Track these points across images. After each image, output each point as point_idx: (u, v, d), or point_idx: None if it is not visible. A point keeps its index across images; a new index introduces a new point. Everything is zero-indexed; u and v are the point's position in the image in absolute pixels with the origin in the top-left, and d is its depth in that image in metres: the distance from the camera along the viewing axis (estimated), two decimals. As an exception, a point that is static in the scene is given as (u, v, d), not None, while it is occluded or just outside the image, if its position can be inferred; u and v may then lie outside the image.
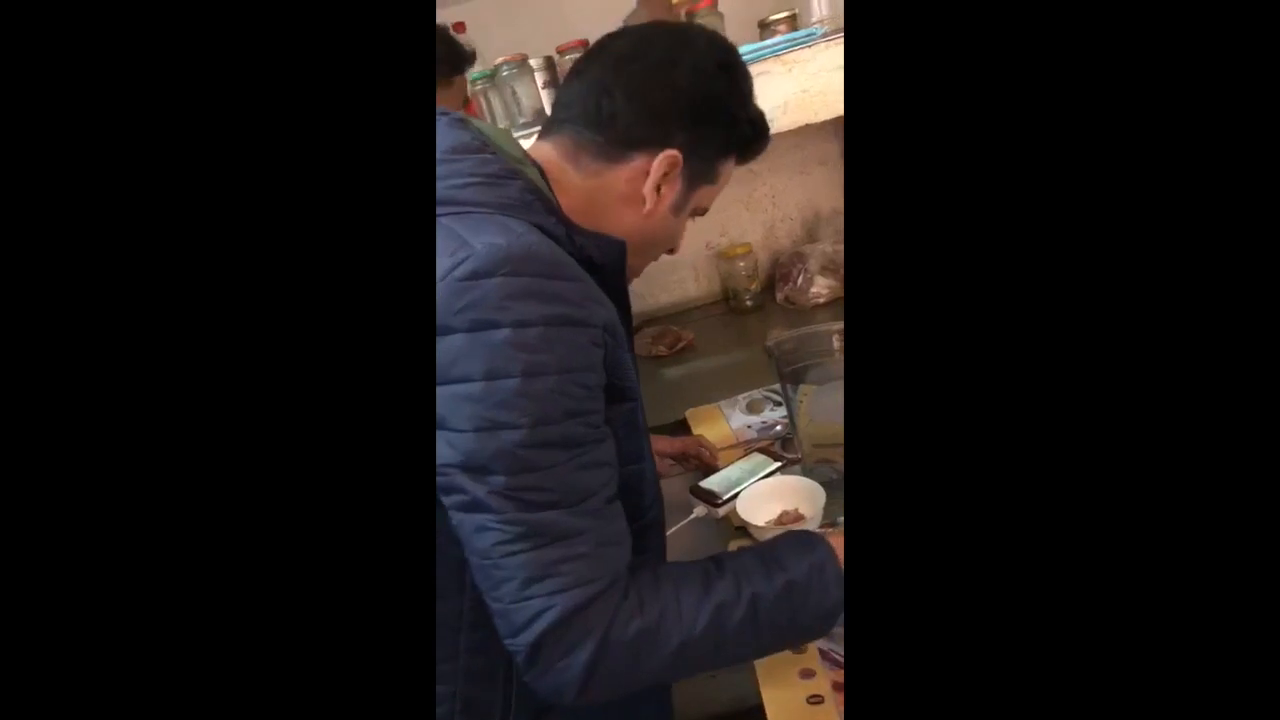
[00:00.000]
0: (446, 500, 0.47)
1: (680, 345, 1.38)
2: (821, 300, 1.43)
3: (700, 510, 0.84)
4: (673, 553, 0.77)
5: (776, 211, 1.59)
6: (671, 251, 0.65)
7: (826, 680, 0.60)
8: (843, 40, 1.00)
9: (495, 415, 0.44)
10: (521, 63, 1.08)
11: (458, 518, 0.46)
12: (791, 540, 0.54)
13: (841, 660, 0.61)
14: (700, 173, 0.58)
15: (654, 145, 0.55)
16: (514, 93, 1.08)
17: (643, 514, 0.59)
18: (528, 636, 0.44)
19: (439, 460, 0.46)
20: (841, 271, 1.45)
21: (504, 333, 0.43)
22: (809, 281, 1.45)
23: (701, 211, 0.63)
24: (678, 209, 0.59)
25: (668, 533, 0.81)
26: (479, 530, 0.45)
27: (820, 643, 0.63)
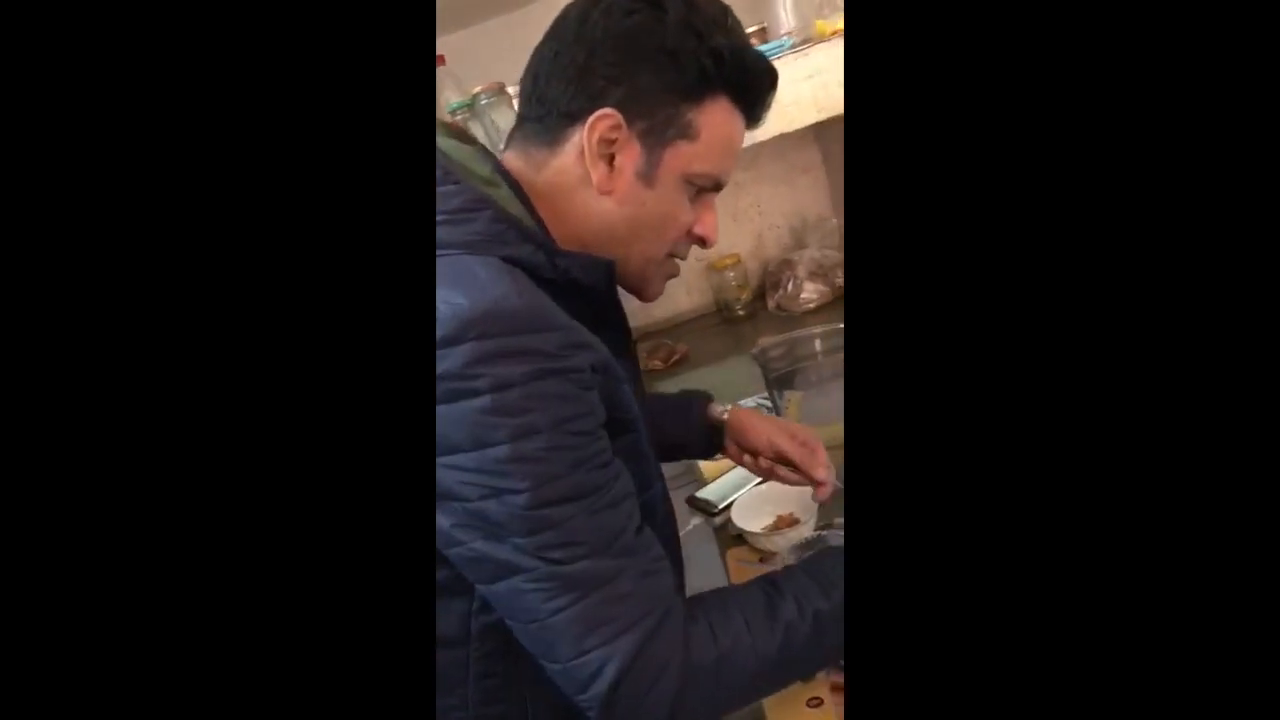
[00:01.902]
0: (472, 575, 0.45)
1: (675, 358, 1.39)
2: (812, 305, 1.44)
3: (697, 520, 0.84)
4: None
5: (763, 220, 1.61)
6: (703, 243, 0.56)
7: (825, 684, 0.60)
8: (810, 50, 1.02)
9: (494, 483, 0.42)
10: (499, 91, 1.10)
11: (491, 591, 0.45)
12: (835, 557, 0.53)
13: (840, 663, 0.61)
14: (658, 127, 0.49)
15: (585, 111, 0.48)
16: (493, 121, 1.10)
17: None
18: (598, 689, 0.43)
19: (447, 529, 0.44)
20: (830, 276, 1.46)
21: (483, 400, 0.41)
22: (799, 288, 1.46)
23: (709, 181, 0.53)
24: (649, 178, 0.50)
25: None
26: (517, 594, 0.43)
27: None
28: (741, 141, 0.54)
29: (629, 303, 0.60)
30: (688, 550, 0.76)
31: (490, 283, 0.43)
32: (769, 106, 0.54)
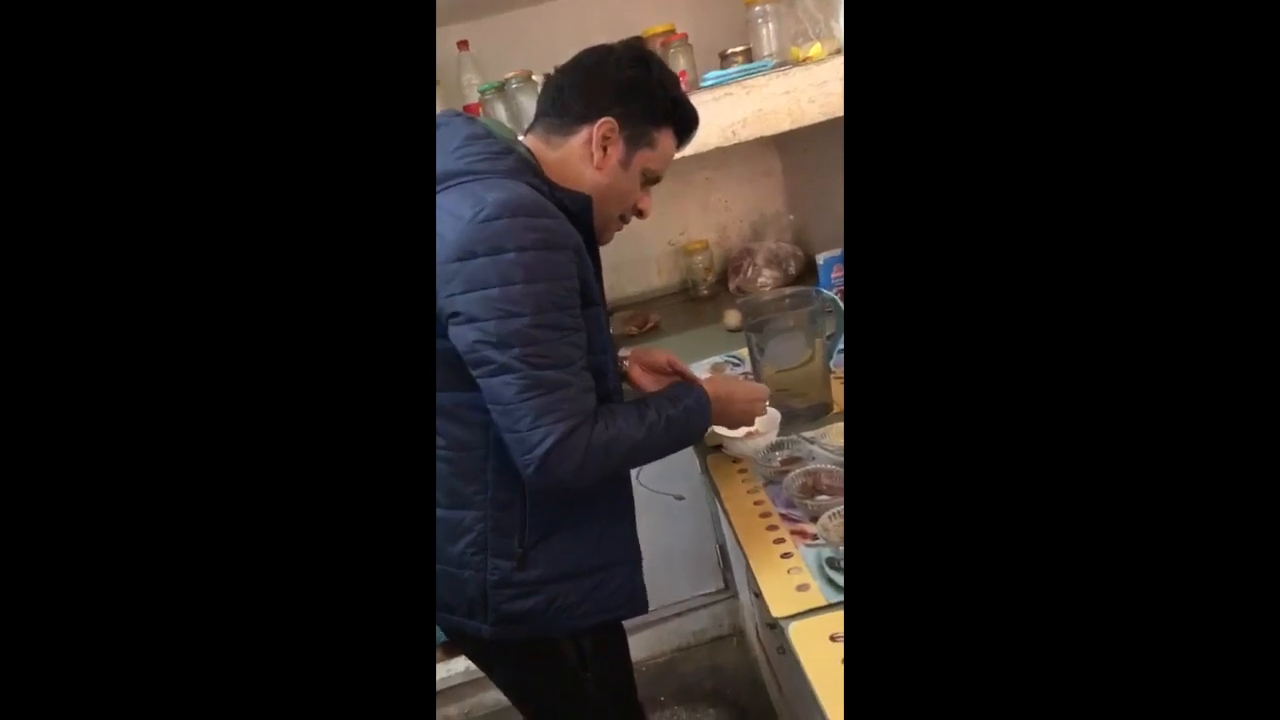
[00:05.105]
0: (477, 372, 0.71)
1: (649, 325, 1.60)
2: (767, 289, 1.68)
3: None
4: (672, 465, 0.96)
5: (729, 214, 1.84)
6: (640, 214, 0.86)
7: (784, 528, 0.82)
8: (788, 71, 1.25)
9: (509, 307, 0.68)
10: (526, 78, 1.28)
11: (486, 382, 0.70)
12: (677, 387, 0.86)
13: (794, 515, 0.83)
14: (636, 137, 0.80)
15: (595, 117, 0.78)
16: (519, 103, 1.28)
17: (608, 393, 0.82)
18: (540, 450, 0.69)
19: (472, 342, 0.69)
20: (784, 264, 1.70)
21: (511, 255, 0.68)
22: (757, 273, 1.69)
23: (654, 178, 0.84)
24: (625, 165, 0.80)
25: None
26: (504, 385, 0.69)
27: (781, 509, 0.85)
28: (673, 157, 0.86)
29: (612, 276, 0.86)
30: (680, 459, 0.97)
31: (521, 189, 0.72)
32: (692, 139, 0.87)
